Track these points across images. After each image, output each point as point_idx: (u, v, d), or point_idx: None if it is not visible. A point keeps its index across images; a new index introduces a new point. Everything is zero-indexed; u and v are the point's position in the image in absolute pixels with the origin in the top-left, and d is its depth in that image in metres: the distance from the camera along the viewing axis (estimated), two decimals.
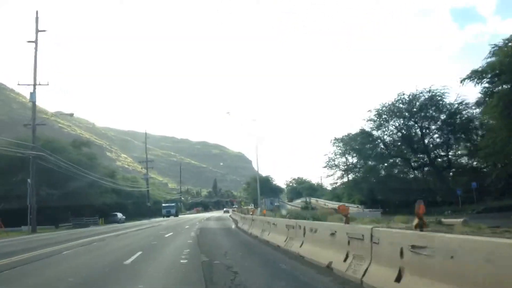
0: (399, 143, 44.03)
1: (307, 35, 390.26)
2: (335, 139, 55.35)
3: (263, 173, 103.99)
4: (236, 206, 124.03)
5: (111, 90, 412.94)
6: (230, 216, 62.99)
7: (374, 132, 45.07)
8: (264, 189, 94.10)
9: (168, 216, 73.52)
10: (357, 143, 47.75)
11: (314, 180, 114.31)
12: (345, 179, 60.26)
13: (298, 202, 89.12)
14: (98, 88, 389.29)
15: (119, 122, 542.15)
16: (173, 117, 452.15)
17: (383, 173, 48.66)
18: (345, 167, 55.17)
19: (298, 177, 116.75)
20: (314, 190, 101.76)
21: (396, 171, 46.18)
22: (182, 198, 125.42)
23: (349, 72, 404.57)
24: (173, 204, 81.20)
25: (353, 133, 54.05)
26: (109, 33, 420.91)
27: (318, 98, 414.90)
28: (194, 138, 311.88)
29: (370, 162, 51.73)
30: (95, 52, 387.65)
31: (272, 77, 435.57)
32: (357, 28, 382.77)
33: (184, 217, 71.03)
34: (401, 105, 41.87)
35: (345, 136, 54.48)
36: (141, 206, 70.64)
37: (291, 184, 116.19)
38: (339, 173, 57.60)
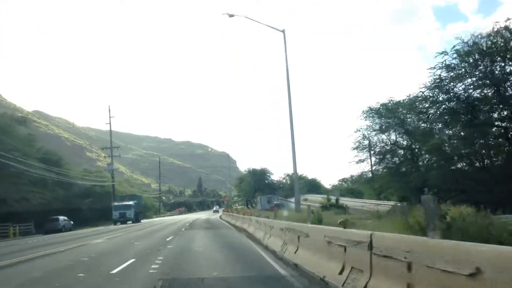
0: (491, 103, 26.28)
1: (307, 34, 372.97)
2: (370, 109, 37.41)
3: (251, 166, 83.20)
4: (217, 206, 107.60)
5: (92, 89, 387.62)
6: (221, 218, 45.01)
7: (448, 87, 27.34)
8: (259, 184, 74.71)
9: (123, 222, 45.42)
10: (418, 107, 29.79)
11: (308, 177, 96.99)
12: (362, 169, 42.86)
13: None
14: (80, 87, 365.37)
15: (100, 122, 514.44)
16: (156, 117, 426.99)
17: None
18: (385, 148, 37.68)
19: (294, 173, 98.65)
20: (315, 186, 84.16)
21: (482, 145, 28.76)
22: (163, 198, 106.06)
23: (346, 70, 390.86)
24: (130, 203, 48.20)
25: (397, 99, 36.60)
26: (93, 33, 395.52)
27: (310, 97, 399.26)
28: (177, 138, 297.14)
29: (409, 144, 34.60)
30: (76, 50, 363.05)
31: (265, 76, 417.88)
32: (355, 28, 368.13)
33: (157, 221, 49.43)
34: (501, 38, 24.56)
35: (383, 105, 36.88)
36: (106, 207, 51.69)
37: (284, 180, 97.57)
38: (362, 159, 39.89)
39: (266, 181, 73.67)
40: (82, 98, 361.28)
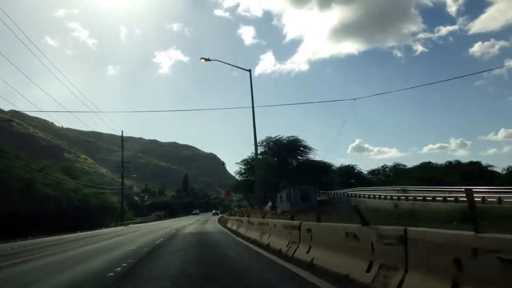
0: None
1: None
2: None
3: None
4: (197, 210, 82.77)
5: (73, 89, 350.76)
6: (228, 227, 15.90)
7: None
8: (284, 167, 39.34)
9: None
10: None
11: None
12: None
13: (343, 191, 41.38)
14: (61, 87, 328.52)
15: (81, 123, 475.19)
16: (140, 118, 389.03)
17: None
18: None
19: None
20: (355, 176, 54.34)
21: None
22: (136, 198, 75.40)
23: None
24: None
25: None
26: (76, 27, 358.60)
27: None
28: (163, 139, 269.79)
29: None
30: (58, 52, 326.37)
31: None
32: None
33: (63, 243, 19.27)
34: None
35: None
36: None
37: None
38: None
39: (299, 159, 39.71)
40: (63, 98, 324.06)
